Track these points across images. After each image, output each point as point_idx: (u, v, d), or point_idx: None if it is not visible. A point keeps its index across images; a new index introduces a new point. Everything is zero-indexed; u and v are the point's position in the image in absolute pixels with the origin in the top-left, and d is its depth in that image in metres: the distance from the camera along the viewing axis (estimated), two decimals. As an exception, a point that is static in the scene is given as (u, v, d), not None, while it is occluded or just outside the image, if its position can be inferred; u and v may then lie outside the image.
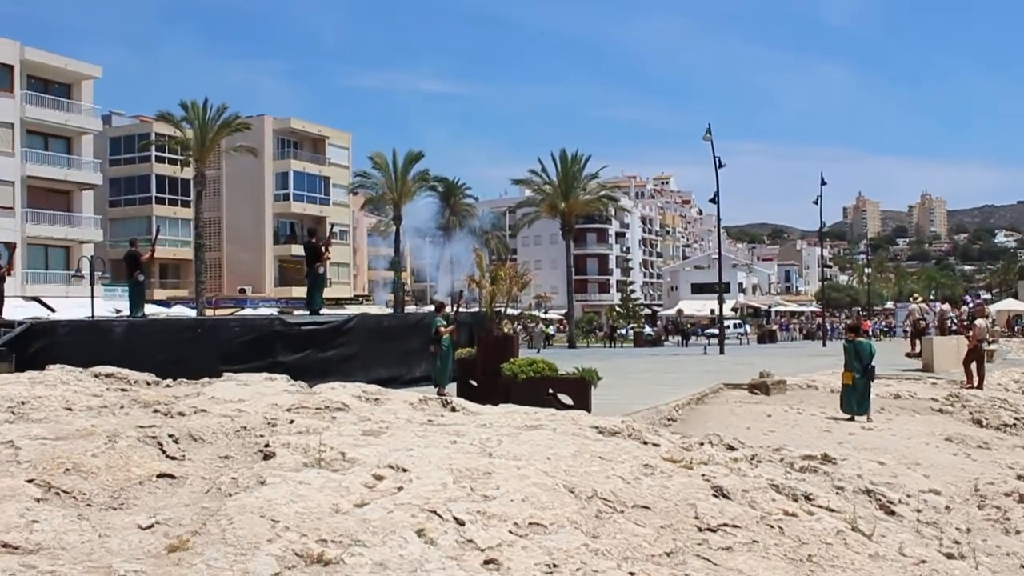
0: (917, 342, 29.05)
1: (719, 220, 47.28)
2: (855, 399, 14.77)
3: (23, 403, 7.88)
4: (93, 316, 31.74)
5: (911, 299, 35.76)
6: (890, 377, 20.42)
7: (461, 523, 5.24)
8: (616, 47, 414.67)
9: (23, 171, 47.44)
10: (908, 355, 28.85)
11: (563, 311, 65.33)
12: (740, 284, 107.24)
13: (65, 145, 50.73)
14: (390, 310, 60.10)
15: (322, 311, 19.11)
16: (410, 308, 71.38)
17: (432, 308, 19.17)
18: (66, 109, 50.00)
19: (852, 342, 14.97)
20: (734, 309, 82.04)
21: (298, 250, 54.13)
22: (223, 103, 52.68)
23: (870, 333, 17.15)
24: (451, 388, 15.68)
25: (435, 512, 5.33)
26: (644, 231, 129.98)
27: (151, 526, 4.92)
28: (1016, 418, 16.73)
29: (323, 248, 19.45)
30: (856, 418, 14.66)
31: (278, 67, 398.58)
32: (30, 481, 5.43)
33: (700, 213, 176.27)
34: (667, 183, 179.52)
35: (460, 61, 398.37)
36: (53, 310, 40.51)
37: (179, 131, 51.89)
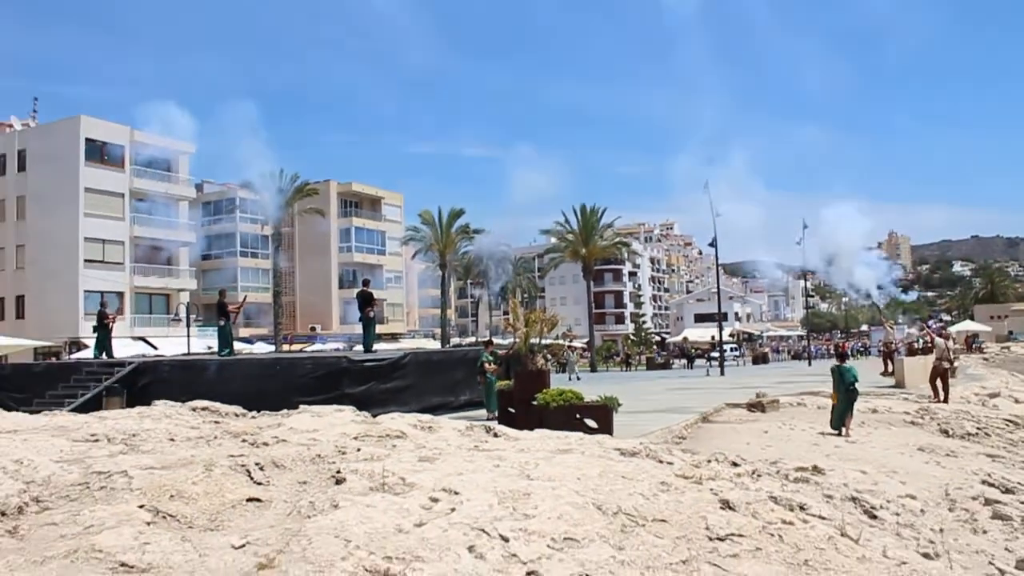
0: (890, 362, 28.64)
1: (717, 260, 47.07)
2: (838, 416, 14.42)
3: (134, 435, 7.95)
4: (189, 353, 32.08)
5: (885, 324, 35.15)
6: (868, 394, 20.02)
7: (506, 539, 5.20)
8: (623, 115, 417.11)
9: (131, 232, 48.38)
10: (882, 374, 28.44)
11: (585, 340, 65.02)
12: (736, 313, 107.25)
13: (165, 209, 51.60)
14: (438, 343, 60.12)
15: (375, 348, 19.01)
16: (454, 340, 71.44)
17: (483, 343, 19.05)
18: (167, 180, 50.94)
19: (838, 368, 14.51)
20: (731, 335, 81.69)
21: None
22: (295, 172, 54.46)
23: (848, 354, 16.99)
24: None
25: (483, 530, 5.28)
26: (653, 270, 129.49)
27: (243, 546, 4.91)
28: (978, 428, 16.38)
29: (369, 299, 18.85)
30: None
31: (343, 138, 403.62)
32: (141, 507, 5.44)
33: (700, 253, 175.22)
34: (672, 228, 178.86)
35: (495, 130, 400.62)
36: (156, 347, 41.19)
37: (259, 197, 52.90)
